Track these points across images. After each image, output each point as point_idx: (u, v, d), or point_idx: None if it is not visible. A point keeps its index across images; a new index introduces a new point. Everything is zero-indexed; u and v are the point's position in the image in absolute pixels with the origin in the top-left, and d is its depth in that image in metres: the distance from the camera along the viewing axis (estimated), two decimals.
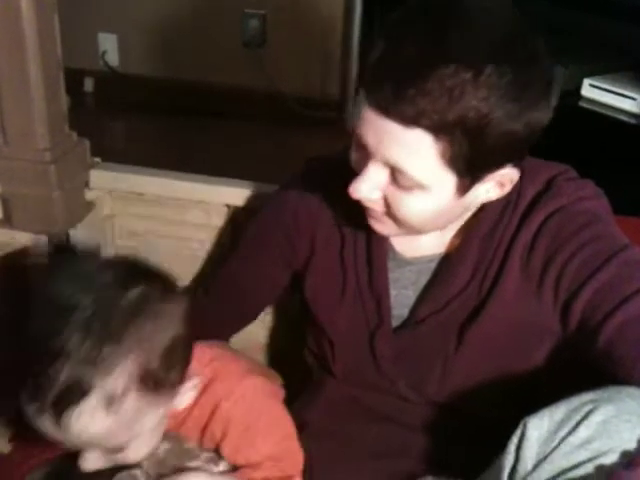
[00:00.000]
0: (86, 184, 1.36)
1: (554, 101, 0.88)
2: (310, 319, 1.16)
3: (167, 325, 0.86)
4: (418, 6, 0.87)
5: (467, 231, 1.01)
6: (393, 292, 1.06)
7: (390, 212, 0.94)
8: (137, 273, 0.88)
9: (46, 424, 0.83)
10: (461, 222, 1.01)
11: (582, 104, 2.05)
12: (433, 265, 1.04)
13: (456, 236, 1.03)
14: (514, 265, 0.98)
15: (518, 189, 0.97)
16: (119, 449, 0.89)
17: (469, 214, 1.00)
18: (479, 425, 1.02)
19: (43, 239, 1.28)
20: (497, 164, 0.90)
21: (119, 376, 0.81)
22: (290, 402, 1.12)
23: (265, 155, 2.69)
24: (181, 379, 0.91)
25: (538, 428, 0.78)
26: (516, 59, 0.83)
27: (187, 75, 3.12)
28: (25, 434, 1.24)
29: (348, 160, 0.96)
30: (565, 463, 0.76)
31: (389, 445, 1.07)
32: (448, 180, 0.89)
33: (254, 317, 1.25)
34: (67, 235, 1.30)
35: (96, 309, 0.81)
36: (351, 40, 2.86)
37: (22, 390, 0.82)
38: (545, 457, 0.77)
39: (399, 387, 1.08)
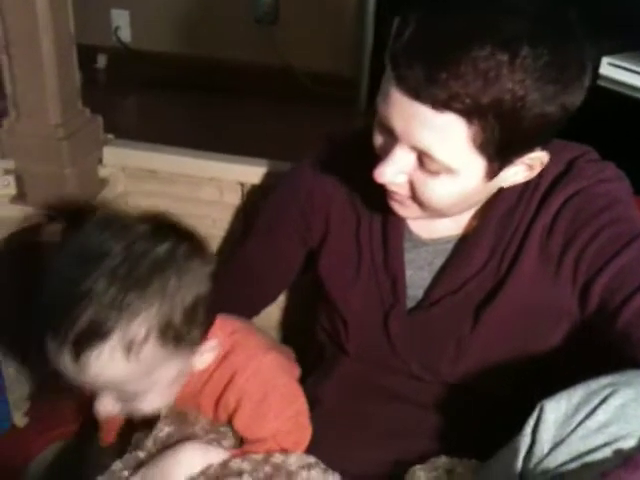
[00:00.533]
0: (99, 161, 1.36)
1: (588, 81, 0.85)
2: (323, 297, 1.15)
3: (192, 282, 0.87)
4: None
5: (485, 212, 1.00)
6: (408, 272, 1.05)
7: (415, 196, 0.93)
8: (168, 229, 0.89)
9: (66, 363, 0.84)
10: (481, 201, 1.00)
11: (600, 83, 2.02)
12: (450, 246, 1.03)
13: (474, 217, 1.02)
14: (532, 247, 0.97)
15: (539, 171, 0.96)
16: (134, 397, 0.91)
17: (486, 196, 0.99)
18: (493, 405, 1.02)
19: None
20: (528, 147, 0.88)
21: (141, 324, 0.83)
22: (302, 379, 1.12)
23: (277, 132, 2.67)
24: (201, 338, 0.92)
25: (555, 411, 0.77)
26: (553, 40, 0.81)
27: (199, 51, 3.10)
28: (41, 408, 1.26)
29: (367, 139, 0.95)
30: (582, 447, 0.75)
31: (401, 424, 1.07)
32: (477, 164, 0.87)
33: (273, 299, 1.25)
34: (80, 212, 1.30)
35: (125, 258, 0.83)
36: (366, 16, 2.82)
37: (47, 331, 0.84)
38: (562, 440, 0.76)
39: (412, 367, 1.08)
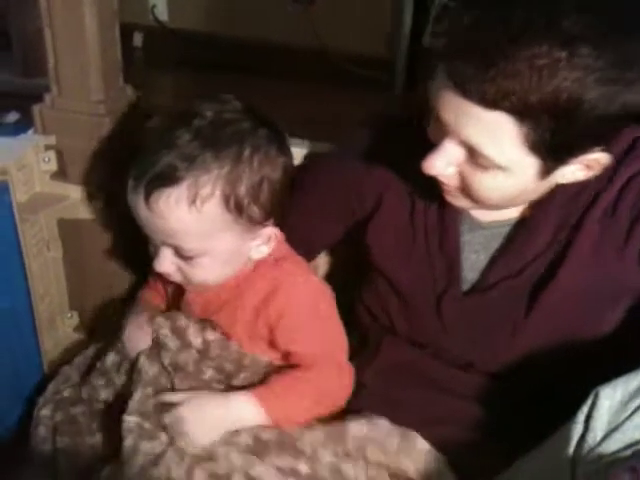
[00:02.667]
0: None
1: None
2: (371, 274, 1.13)
3: (264, 162, 0.94)
4: None
5: (548, 194, 0.96)
6: (463, 255, 1.03)
7: (465, 189, 0.91)
8: (260, 115, 0.98)
9: (139, 202, 0.94)
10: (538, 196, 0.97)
11: None
12: (506, 229, 1.01)
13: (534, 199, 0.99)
14: (593, 224, 0.95)
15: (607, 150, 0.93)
16: (190, 260, 0.97)
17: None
18: (537, 396, 1.01)
19: None
20: (585, 149, 0.85)
21: (208, 180, 0.91)
22: None
23: (311, 114, 2.65)
24: (260, 219, 0.97)
25: (610, 398, 0.76)
26: (617, 38, 0.77)
27: (236, 31, 3.08)
28: None
29: (420, 126, 0.93)
30: (638, 434, 0.74)
31: (440, 413, 1.05)
32: (529, 164, 0.85)
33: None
34: (120, 189, 1.29)
35: (212, 121, 0.93)
36: None
37: (132, 173, 0.96)
38: (616, 427, 0.75)
39: (465, 351, 1.06)
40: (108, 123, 1.23)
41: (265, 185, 0.95)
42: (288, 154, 0.99)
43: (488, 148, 0.83)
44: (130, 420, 0.99)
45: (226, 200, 0.93)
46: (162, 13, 3.20)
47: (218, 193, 0.92)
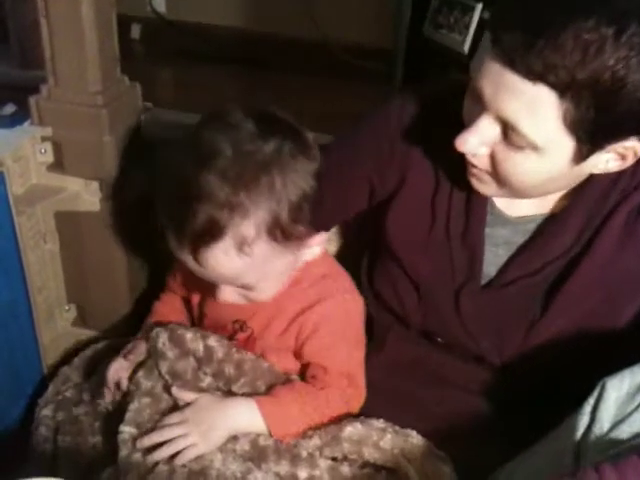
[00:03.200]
0: (137, 129, 1.34)
1: None
2: (387, 261, 1.10)
3: (296, 180, 0.92)
4: None
5: (575, 193, 0.95)
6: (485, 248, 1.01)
7: (495, 171, 0.90)
8: (276, 125, 0.94)
9: (187, 257, 0.93)
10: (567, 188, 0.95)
11: None
12: (532, 226, 0.99)
13: (562, 198, 0.97)
14: (617, 225, 0.93)
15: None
16: (250, 287, 0.98)
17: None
18: (547, 392, 0.99)
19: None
20: (623, 134, 0.83)
21: (250, 223, 0.89)
22: None
23: (312, 105, 2.64)
24: (307, 234, 0.97)
25: (617, 389, 0.75)
26: None
27: (234, 22, 3.07)
28: None
29: (454, 105, 0.91)
30: None
31: (447, 408, 1.05)
32: (565, 144, 0.83)
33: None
34: (118, 181, 1.28)
35: (235, 159, 0.89)
36: None
37: (168, 227, 0.93)
38: (623, 418, 0.74)
39: (481, 345, 1.04)
40: (105, 114, 1.21)
41: (302, 202, 0.93)
42: (316, 157, 0.97)
43: (525, 124, 0.82)
44: (125, 431, 0.99)
45: (272, 234, 0.92)
46: (160, 5, 3.18)
47: (263, 230, 0.91)
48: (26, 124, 1.26)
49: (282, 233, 0.92)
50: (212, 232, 0.88)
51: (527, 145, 0.83)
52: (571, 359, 0.99)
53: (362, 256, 1.19)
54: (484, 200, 0.99)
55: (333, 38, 2.93)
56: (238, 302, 1.01)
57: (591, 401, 0.78)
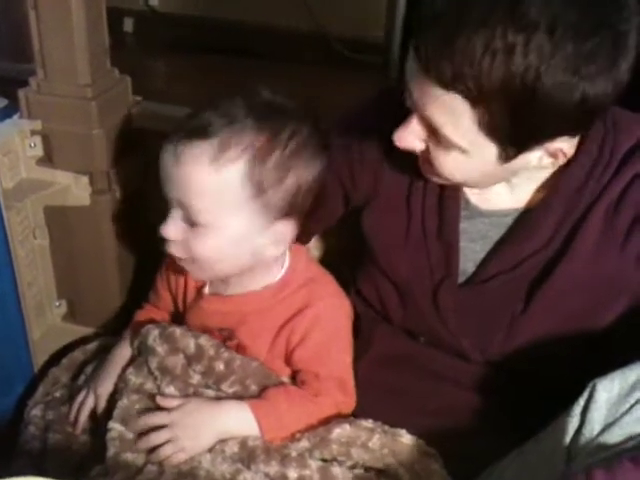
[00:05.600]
0: (127, 122, 1.32)
1: (625, 74, 0.79)
2: (368, 261, 1.11)
3: (298, 152, 0.92)
4: None
5: (552, 186, 0.95)
6: (460, 244, 1.01)
7: (432, 165, 0.91)
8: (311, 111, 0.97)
9: (168, 154, 0.92)
10: (545, 175, 0.95)
11: None
12: (508, 220, 0.99)
13: (538, 191, 0.97)
14: (596, 220, 0.93)
15: (612, 146, 0.91)
16: (197, 230, 0.94)
17: (548, 170, 0.94)
18: (536, 386, 1.00)
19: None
20: (546, 136, 0.84)
21: (238, 145, 0.89)
22: None
23: (305, 96, 2.63)
24: (276, 212, 0.94)
25: (608, 391, 0.74)
26: (580, 29, 0.75)
27: (229, 14, 3.04)
28: None
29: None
30: (637, 428, 0.72)
31: (438, 402, 1.04)
32: (488, 147, 0.84)
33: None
34: (108, 175, 1.27)
35: (270, 102, 0.94)
36: None
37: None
38: (614, 421, 0.73)
39: (462, 343, 1.04)
40: (95, 107, 1.20)
41: (292, 175, 0.92)
42: (322, 160, 0.96)
43: (448, 129, 0.83)
44: (114, 428, 0.98)
45: (249, 172, 0.90)
46: None
47: (243, 161, 0.90)
48: (15, 117, 1.24)
49: (257, 182, 0.91)
50: (203, 131, 0.90)
51: (453, 146, 0.85)
52: (556, 356, 0.99)
53: (346, 258, 1.19)
54: (457, 196, 1.00)
55: (328, 30, 2.92)
56: (174, 250, 0.97)
57: (581, 402, 0.77)
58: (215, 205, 0.92)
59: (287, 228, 0.96)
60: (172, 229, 0.95)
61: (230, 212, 0.92)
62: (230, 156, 0.89)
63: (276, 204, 0.93)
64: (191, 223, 0.94)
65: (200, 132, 0.90)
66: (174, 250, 0.98)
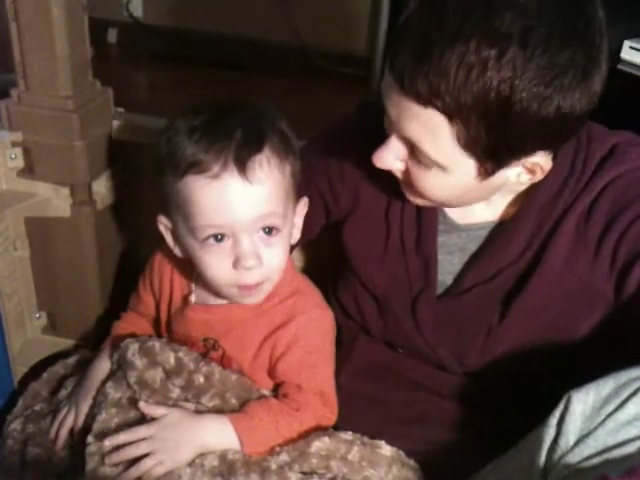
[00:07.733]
0: (109, 134, 1.32)
1: (598, 85, 0.80)
2: (348, 274, 1.12)
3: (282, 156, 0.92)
4: None
5: (525, 199, 0.96)
6: (438, 257, 1.02)
7: (412, 185, 0.91)
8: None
9: (230, 182, 0.88)
10: (518, 189, 0.96)
11: (622, 67, 1.97)
12: (484, 233, 1.00)
13: (512, 204, 0.98)
14: (568, 231, 0.93)
15: (584, 157, 0.92)
16: (276, 229, 0.93)
17: (525, 186, 0.94)
18: (516, 396, 1.00)
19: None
20: (524, 151, 0.84)
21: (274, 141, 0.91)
22: None
23: (288, 110, 2.64)
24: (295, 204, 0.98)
25: (583, 403, 0.75)
26: (553, 41, 0.76)
27: (212, 27, 3.06)
28: None
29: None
30: (611, 440, 0.73)
31: (420, 412, 1.04)
32: (467, 163, 0.84)
33: None
34: (89, 187, 1.27)
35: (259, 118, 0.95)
36: None
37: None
38: (589, 433, 0.74)
39: (440, 354, 1.05)
40: (76, 119, 1.20)
41: (288, 164, 0.94)
42: (295, 156, 0.96)
43: (426, 146, 0.83)
44: (92, 442, 0.98)
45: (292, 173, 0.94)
46: (136, 9, 3.16)
47: (288, 163, 0.93)
48: None
49: (292, 175, 0.94)
50: (256, 140, 0.90)
51: (432, 164, 0.85)
52: (534, 366, 0.99)
53: (327, 270, 1.19)
54: (434, 210, 1.00)
55: (310, 43, 2.93)
56: (256, 281, 0.95)
57: (557, 414, 0.77)
58: (283, 200, 0.94)
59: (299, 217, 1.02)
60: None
61: (290, 205, 0.96)
62: (282, 154, 0.92)
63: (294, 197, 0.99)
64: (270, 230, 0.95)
65: (254, 143, 0.89)
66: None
